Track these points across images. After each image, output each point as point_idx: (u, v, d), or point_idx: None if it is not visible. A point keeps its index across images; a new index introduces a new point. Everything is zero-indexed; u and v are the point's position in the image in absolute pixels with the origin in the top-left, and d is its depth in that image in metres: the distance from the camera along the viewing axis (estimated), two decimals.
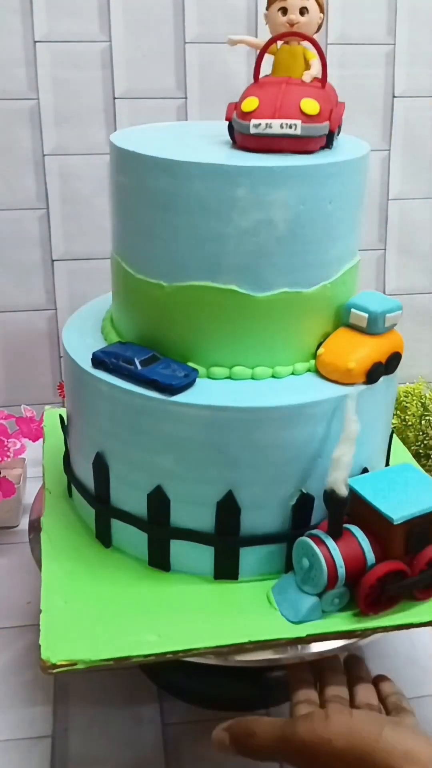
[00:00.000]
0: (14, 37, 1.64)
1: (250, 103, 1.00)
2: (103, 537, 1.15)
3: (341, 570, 0.97)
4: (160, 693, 1.25)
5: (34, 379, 1.89)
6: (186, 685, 1.24)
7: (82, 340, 1.15)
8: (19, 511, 1.60)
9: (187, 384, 1.02)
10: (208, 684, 1.23)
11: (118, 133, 1.13)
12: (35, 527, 1.21)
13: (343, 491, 0.95)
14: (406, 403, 1.66)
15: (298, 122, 0.99)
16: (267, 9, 1.04)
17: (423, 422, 1.63)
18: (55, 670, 0.94)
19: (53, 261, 1.81)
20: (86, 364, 1.08)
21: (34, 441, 1.66)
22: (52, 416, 1.42)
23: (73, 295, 1.83)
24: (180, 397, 1.01)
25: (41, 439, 1.64)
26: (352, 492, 0.99)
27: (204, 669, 1.01)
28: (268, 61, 1.06)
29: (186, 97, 1.74)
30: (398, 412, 1.66)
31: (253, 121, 1.00)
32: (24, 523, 1.58)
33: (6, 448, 1.58)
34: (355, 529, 1.00)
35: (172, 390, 1.01)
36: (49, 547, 1.13)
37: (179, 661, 0.99)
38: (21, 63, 1.66)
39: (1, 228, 1.77)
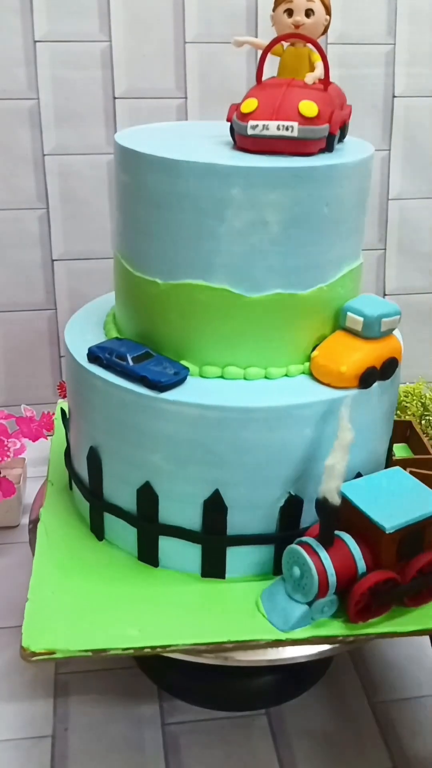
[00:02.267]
0: (14, 37, 1.64)
1: (250, 105, 1.01)
2: (97, 530, 1.16)
3: (332, 579, 0.97)
4: (160, 693, 1.25)
5: (34, 379, 1.89)
6: (186, 685, 1.24)
7: (83, 336, 1.16)
8: (19, 511, 1.60)
9: (177, 382, 1.03)
10: (208, 684, 1.23)
11: (122, 132, 1.14)
12: (35, 526, 1.21)
13: (336, 500, 0.95)
14: (406, 403, 1.66)
15: (295, 124, 0.99)
16: (273, 10, 1.04)
17: (423, 422, 1.63)
18: (33, 658, 0.96)
19: (53, 261, 1.81)
20: (83, 359, 1.09)
21: (34, 441, 1.66)
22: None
23: (73, 295, 1.83)
24: (169, 395, 1.01)
25: (42, 439, 1.65)
26: (343, 499, 0.98)
27: (204, 669, 1.01)
28: (274, 62, 1.06)
29: (186, 97, 1.74)
30: (398, 412, 1.66)
31: (251, 123, 1.00)
32: (24, 523, 1.58)
33: (6, 448, 1.58)
34: (346, 537, 0.99)
35: (160, 387, 1.01)
36: (44, 538, 1.15)
37: (179, 661, 0.99)
38: (21, 63, 1.66)
39: (1, 228, 1.77)
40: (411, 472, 1.09)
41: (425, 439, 1.45)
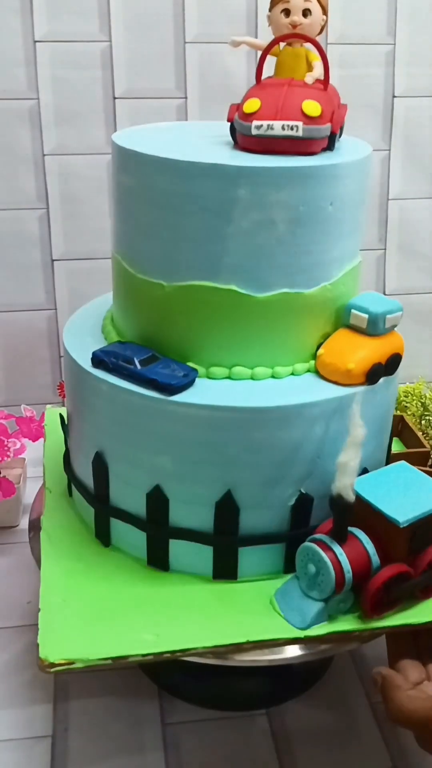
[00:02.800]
0: (14, 37, 1.64)
1: (252, 105, 1.01)
2: (103, 536, 1.15)
3: (348, 575, 0.97)
4: (160, 693, 1.25)
5: (34, 379, 1.89)
6: (186, 685, 1.24)
7: (83, 340, 1.15)
8: (19, 511, 1.60)
9: (187, 384, 1.02)
10: (208, 684, 1.23)
11: (120, 133, 1.13)
12: (35, 527, 1.21)
13: (351, 497, 0.95)
14: (406, 403, 1.66)
15: (300, 124, 0.99)
16: (270, 10, 1.04)
17: (423, 422, 1.63)
18: (53, 669, 0.94)
19: (53, 261, 1.81)
20: (86, 363, 1.08)
21: (34, 441, 1.66)
22: (52, 415, 1.42)
23: (73, 295, 1.83)
24: (179, 397, 1.01)
25: (41, 439, 1.64)
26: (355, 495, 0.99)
27: (204, 669, 1.01)
28: (270, 62, 1.06)
29: (186, 97, 1.74)
30: (398, 412, 1.66)
31: (255, 123, 1.00)
32: (24, 523, 1.58)
33: (6, 448, 1.58)
34: (359, 532, 1.00)
35: (171, 389, 1.01)
36: (48, 546, 1.14)
37: (179, 661, 0.99)
38: (21, 63, 1.66)
39: (1, 228, 1.77)
40: None
41: (421, 436, 1.46)
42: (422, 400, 1.67)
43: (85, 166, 1.75)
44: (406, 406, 1.66)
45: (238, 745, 1.17)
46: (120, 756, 1.15)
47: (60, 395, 1.84)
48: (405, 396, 1.68)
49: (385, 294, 1.95)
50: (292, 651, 1.00)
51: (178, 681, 1.24)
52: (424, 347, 1.99)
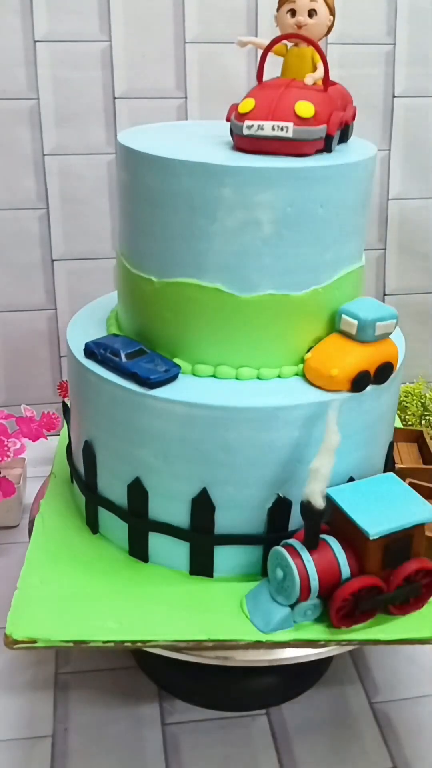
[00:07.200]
0: (14, 37, 1.64)
1: (247, 105, 1.01)
2: (92, 524, 1.17)
3: (314, 583, 0.96)
4: (160, 693, 1.25)
5: (34, 379, 1.89)
6: (186, 685, 1.24)
7: (85, 332, 1.16)
8: (19, 511, 1.60)
9: (167, 379, 1.03)
10: (208, 684, 1.23)
11: (126, 131, 1.14)
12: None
13: (320, 503, 0.94)
14: (406, 403, 1.66)
15: (290, 125, 0.98)
16: (277, 10, 1.04)
17: (423, 422, 1.63)
18: (15, 646, 0.97)
19: (53, 261, 1.81)
20: (80, 354, 1.10)
21: (34, 441, 1.66)
22: None
23: (73, 295, 1.83)
24: (158, 392, 1.02)
25: (41, 439, 1.65)
26: (331, 502, 0.97)
27: (204, 669, 1.01)
28: (278, 63, 1.06)
29: (186, 97, 1.74)
30: (398, 412, 1.66)
31: (246, 123, 1.00)
32: (24, 523, 1.58)
33: (6, 448, 1.58)
34: (332, 541, 0.98)
35: (150, 384, 1.02)
36: (40, 529, 1.16)
37: (179, 661, 1.00)
38: (21, 63, 1.66)
39: (1, 228, 1.77)
40: (411, 483, 1.08)
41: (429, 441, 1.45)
42: (422, 400, 1.67)
43: (85, 166, 1.75)
44: (406, 406, 1.66)
45: (238, 745, 1.17)
46: (120, 756, 1.15)
47: (60, 395, 1.84)
48: (405, 396, 1.68)
49: (384, 294, 1.95)
50: (291, 651, 1.00)
51: (178, 681, 1.24)
52: (424, 347, 1.99)
